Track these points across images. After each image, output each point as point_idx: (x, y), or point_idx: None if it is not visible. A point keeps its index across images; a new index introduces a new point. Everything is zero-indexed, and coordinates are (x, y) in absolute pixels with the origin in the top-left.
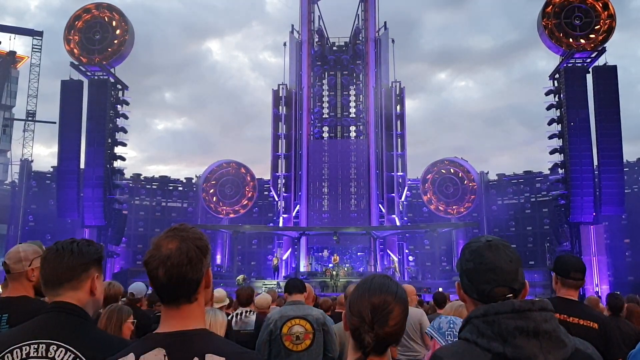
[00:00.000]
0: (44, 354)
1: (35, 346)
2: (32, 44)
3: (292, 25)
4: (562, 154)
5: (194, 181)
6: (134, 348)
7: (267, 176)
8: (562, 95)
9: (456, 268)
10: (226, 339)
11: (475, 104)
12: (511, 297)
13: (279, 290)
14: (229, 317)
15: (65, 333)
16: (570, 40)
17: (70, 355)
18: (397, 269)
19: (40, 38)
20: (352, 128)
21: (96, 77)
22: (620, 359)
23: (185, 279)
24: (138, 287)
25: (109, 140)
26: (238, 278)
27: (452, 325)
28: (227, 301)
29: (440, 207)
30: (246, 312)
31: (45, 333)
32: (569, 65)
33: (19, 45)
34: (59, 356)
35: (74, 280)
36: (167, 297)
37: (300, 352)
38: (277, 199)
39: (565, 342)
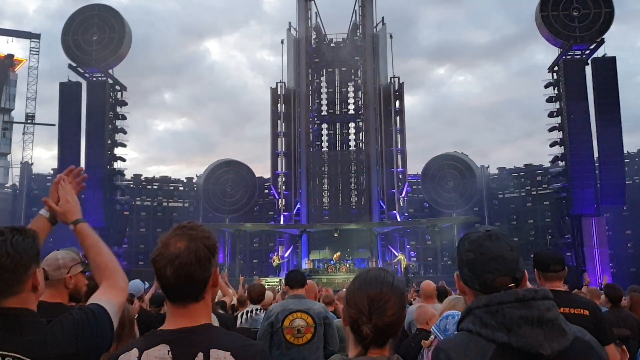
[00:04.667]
0: None
1: None
2: (30, 47)
3: (290, 23)
4: (563, 147)
5: (194, 181)
6: (138, 343)
7: (267, 174)
8: (561, 88)
9: (452, 259)
10: (231, 331)
11: (475, 98)
12: (513, 286)
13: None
14: (239, 315)
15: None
16: (569, 32)
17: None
18: (404, 266)
19: (38, 41)
20: (351, 124)
21: (94, 79)
22: (612, 343)
23: (193, 279)
24: (134, 285)
25: (109, 142)
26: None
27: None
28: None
29: (441, 202)
30: (256, 309)
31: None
32: (568, 57)
33: (17, 48)
34: None
35: (15, 287)
36: (175, 295)
37: (301, 346)
38: (277, 197)
39: (566, 330)
